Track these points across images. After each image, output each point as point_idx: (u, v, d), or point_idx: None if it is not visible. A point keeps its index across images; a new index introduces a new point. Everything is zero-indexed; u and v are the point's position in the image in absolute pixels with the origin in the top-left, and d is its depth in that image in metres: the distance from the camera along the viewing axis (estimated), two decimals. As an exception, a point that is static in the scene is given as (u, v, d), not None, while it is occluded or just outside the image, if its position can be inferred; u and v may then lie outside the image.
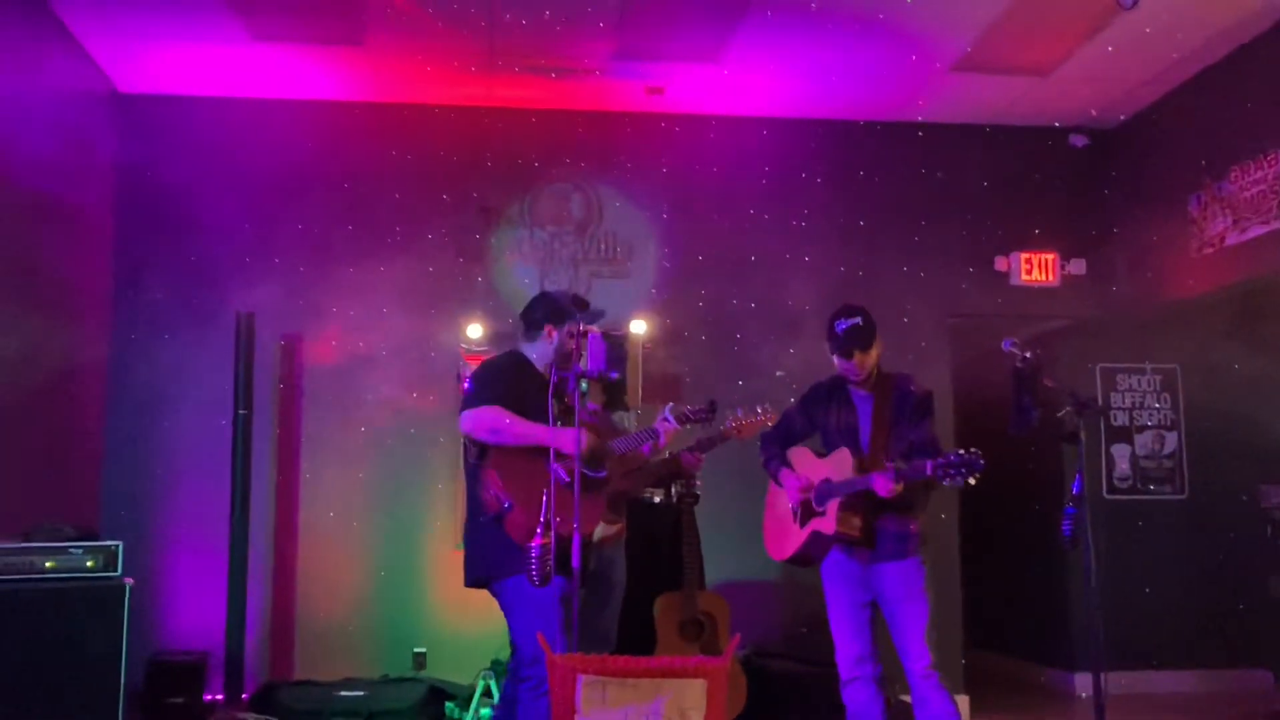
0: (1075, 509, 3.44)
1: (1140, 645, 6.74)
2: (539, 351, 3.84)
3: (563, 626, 3.48)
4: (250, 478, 5.74)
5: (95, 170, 6.11)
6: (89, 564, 4.53)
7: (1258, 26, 5.67)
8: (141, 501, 6.02)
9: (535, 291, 4.22)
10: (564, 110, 6.58)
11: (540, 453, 3.53)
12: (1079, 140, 6.88)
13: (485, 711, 5.19)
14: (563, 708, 2.92)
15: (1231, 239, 5.95)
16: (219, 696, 5.61)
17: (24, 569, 4.41)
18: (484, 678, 5.29)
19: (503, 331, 6.05)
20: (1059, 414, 3.56)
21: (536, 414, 3.59)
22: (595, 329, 3.95)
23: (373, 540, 6.20)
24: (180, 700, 5.38)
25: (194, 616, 5.86)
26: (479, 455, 3.65)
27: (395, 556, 6.19)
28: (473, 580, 3.72)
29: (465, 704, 5.32)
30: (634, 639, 4.66)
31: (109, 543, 4.62)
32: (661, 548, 5.12)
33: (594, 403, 4.55)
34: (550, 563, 3.25)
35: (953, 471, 3.50)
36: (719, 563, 5.69)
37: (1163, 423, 7.29)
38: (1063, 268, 6.85)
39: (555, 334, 3.81)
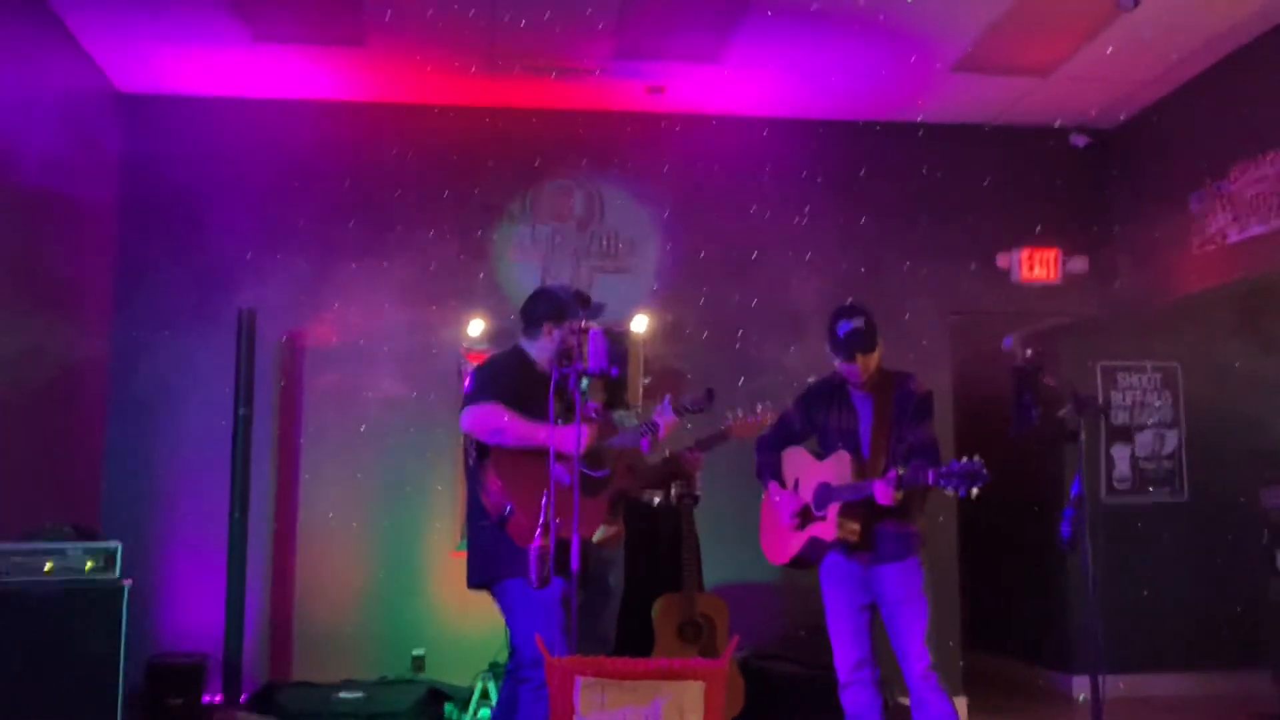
0: (1074, 510, 3.43)
1: (1139, 648, 6.73)
2: (539, 349, 3.83)
3: (561, 627, 3.47)
4: (250, 478, 5.74)
5: (96, 169, 6.10)
6: (88, 565, 4.52)
7: (1258, 27, 5.66)
8: (141, 502, 6.01)
9: (537, 288, 4.19)
10: (565, 110, 6.58)
11: (542, 454, 3.51)
12: (1080, 139, 6.87)
13: (484, 713, 5.18)
14: (561, 710, 2.92)
15: (1232, 237, 5.94)
16: (218, 698, 5.60)
17: (23, 570, 4.41)
18: (483, 680, 5.29)
19: (504, 329, 6.04)
20: (1059, 413, 3.55)
21: (538, 413, 3.57)
22: (596, 326, 3.93)
23: (372, 541, 6.19)
24: (179, 701, 5.37)
25: (193, 617, 5.85)
26: (479, 456, 3.64)
27: (394, 558, 6.19)
28: (476, 583, 3.71)
29: (464, 706, 5.32)
30: (632, 641, 4.66)
31: (108, 544, 4.61)
32: (660, 549, 5.12)
33: (595, 400, 4.54)
34: (549, 564, 3.24)
35: (955, 481, 3.48)
36: (718, 565, 5.69)
37: (1163, 421, 7.28)
38: (1064, 265, 6.84)
39: (555, 331, 3.80)
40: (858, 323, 3.85)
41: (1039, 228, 6.84)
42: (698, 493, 5.21)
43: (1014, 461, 6.26)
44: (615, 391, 5.06)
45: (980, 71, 6.13)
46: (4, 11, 5.01)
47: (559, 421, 3.52)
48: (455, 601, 3.85)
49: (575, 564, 3.25)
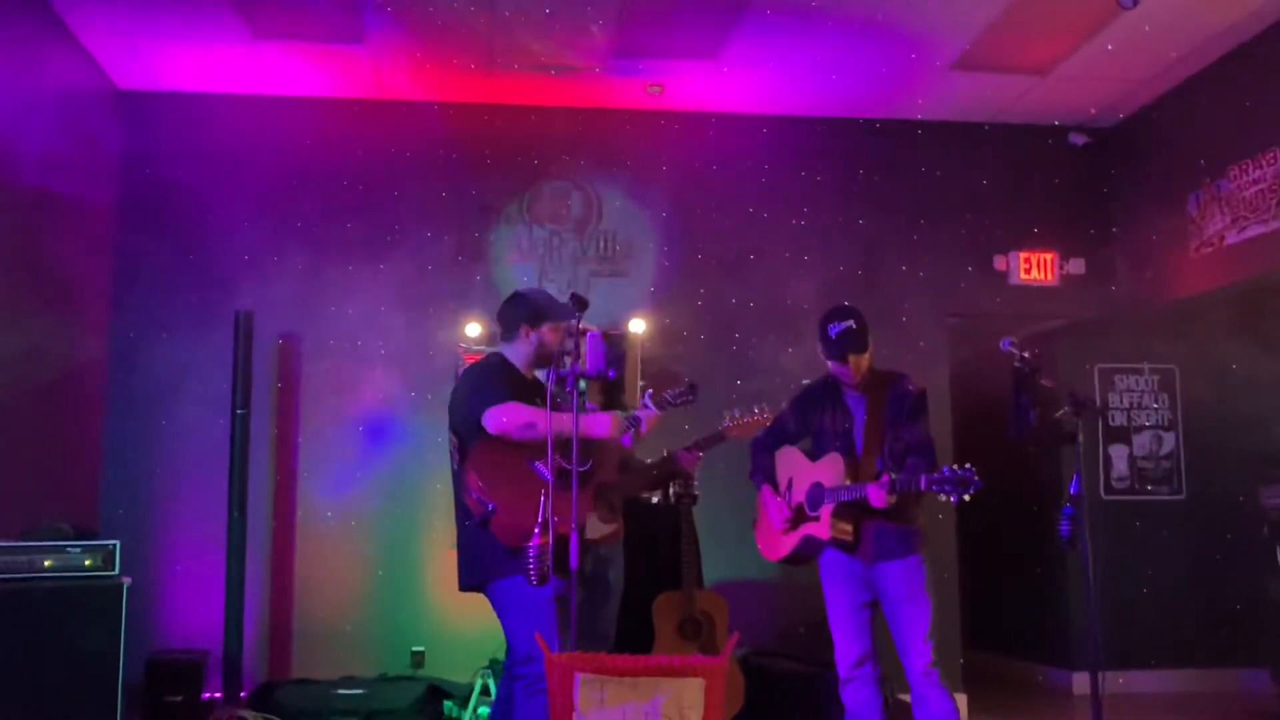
0: (1073, 509, 3.45)
1: (1138, 645, 6.76)
2: (518, 353, 3.82)
3: (555, 625, 3.48)
4: (248, 477, 5.74)
5: (95, 168, 6.12)
6: (87, 563, 4.54)
7: (1257, 25, 5.68)
8: (140, 500, 6.03)
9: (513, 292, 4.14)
10: (563, 108, 6.59)
11: (520, 450, 3.52)
12: (1079, 139, 6.90)
13: (483, 710, 5.20)
14: (561, 707, 2.93)
15: (1230, 238, 5.96)
16: (218, 695, 5.61)
17: (22, 568, 4.42)
18: (482, 676, 5.30)
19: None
20: (1057, 414, 3.57)
21: None
22: (594, 328, 3.94)
23: (370, 539, 6.21)
24: (179, 699, 5.38)
25: (192, 615, 5.86)
26: (463, 459, 3.64)
27: (393, 555, 6.20)
28: (467, 585, 3.72)
29: (464, 703, 5.33)
30: (632, 638, 4.67)
31: (107, 542, 4.63)
32: (660, 547, 5.13)
33: (592, 403, 4.56)
34: (549, 562, 3.25)
35: (947, 487, 3.51)
36: (717, 562, 5.70)
37: (1160, 423, 7.31)
38: (1062, 267, 6.86)
39: (532, 334, 3.79)
40: (849, 323, 3.88)
41: (1036, 229, 6.86)
42: (696, 491, 5.22)
43: (1013, 462, 6.31)
44: (613, 394, 5.07)
45: (979, 70, 6.16)
46: (3, 9, 5.02)
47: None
48: (454, 598, 3.84)
49: (574, 561, 3.26)
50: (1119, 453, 7.23)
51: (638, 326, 6.29)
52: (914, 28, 5.66)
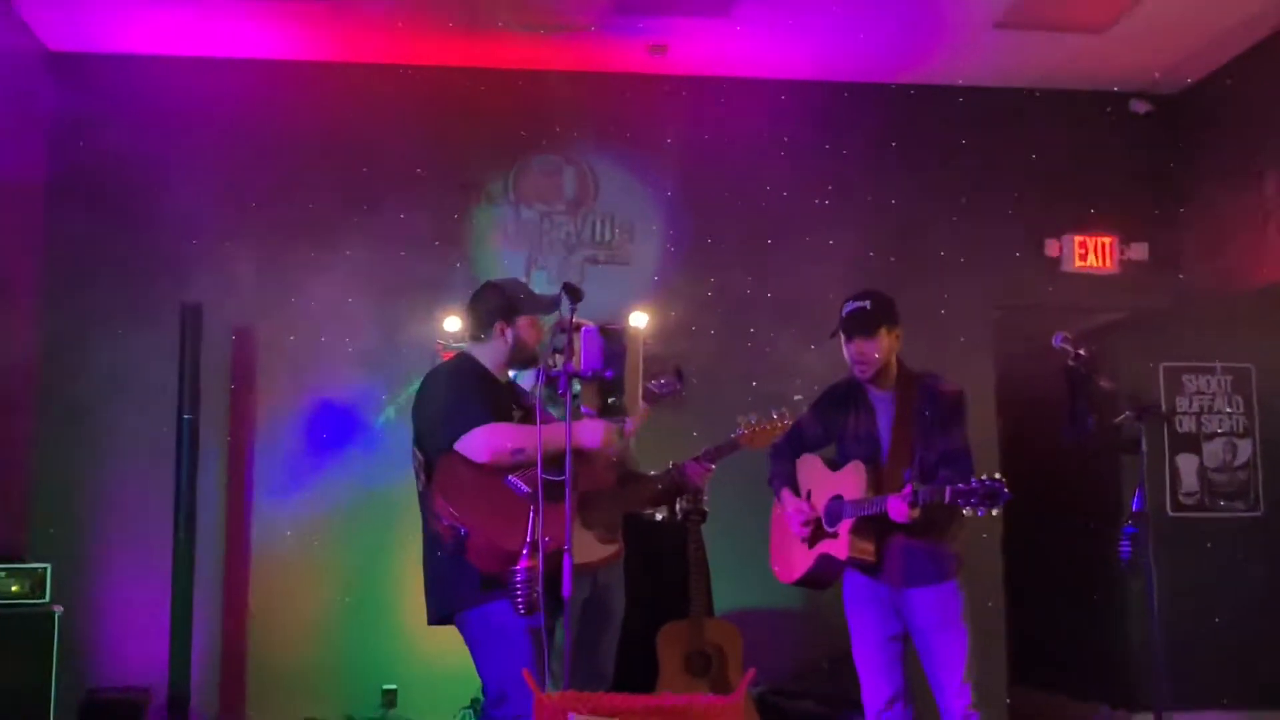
0: (1135, 528, 3.46)
1: (1208, 681, 6.73)
2: (492, 353, 3.81)
3: (533, 660, 3.47)
4: (197, 491, 5.74)
5: (23, 140, 6.11)
6: (14, 589, 4.56)
7: (1345, -22, 5.67)
8: (74, 519, 6.03)
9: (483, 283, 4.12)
10: (554, 72, 6.58)
11: (490, 466, 3.52)
12: (1140, 106, 6.89)
13: (464, 757, 5.20)
14: (552, 753, 2.92)
15: (1314, 220, 5.96)
16: (162, 739, 5.63)
17: (-60, 595, 4.43)
18: (463, 718, 5.30)
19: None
20: (1117, 420, 3.57)
21: None
22: (589, 323, 3.93)
23: (336, 561, 6.21)
24: (117, 743, 5.40)
25: (134, 648, 5.86)
26: (428, 479, 3.63)
27: (362, 580, 6.20)
28: (436, 618, 3.72)
29: (441, 748, 5.34)
30: (633, 674, 4.67)
31: (36, 565, 4.64)
32: (664, 571, 5.14)
33: (589, 407, 4.55)
34: (538, 589, 3.25)
35: (973, 500, 3.51)
36: (729, 588, 5.70)
37: (1235, 429, 7.28)
38: (1122, 253, 6.86)
39: (508, 331, 3.78)
40: (862, 303, 3.92)
41: (1094, 210, 6.85)
42: (705, 508, 5.22)
43: (1066, 473, 6.29)
44: (611, 396, 5.06)
45: (1028, 27, 6.15)
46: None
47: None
48: (430, 629, 3.85)
49: (567, 587, 3.26)
50: (1187, 463, 7.21)
51: (639, 320, 6.28)
52: (953, -20, 5.66)
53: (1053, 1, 5.88)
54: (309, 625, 6.16)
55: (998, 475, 3.52)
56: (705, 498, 5.17)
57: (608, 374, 3.93)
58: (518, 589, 3.24)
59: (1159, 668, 3.46)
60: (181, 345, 5.78)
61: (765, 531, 4.31)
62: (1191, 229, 6.87)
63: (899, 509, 3.68)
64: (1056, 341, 3.72)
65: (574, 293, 3.55)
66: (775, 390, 5.45)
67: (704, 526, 5.23)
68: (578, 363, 3.64)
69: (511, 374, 4.05)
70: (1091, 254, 6.84)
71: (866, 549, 3.84)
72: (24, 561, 4.75)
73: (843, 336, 3.96)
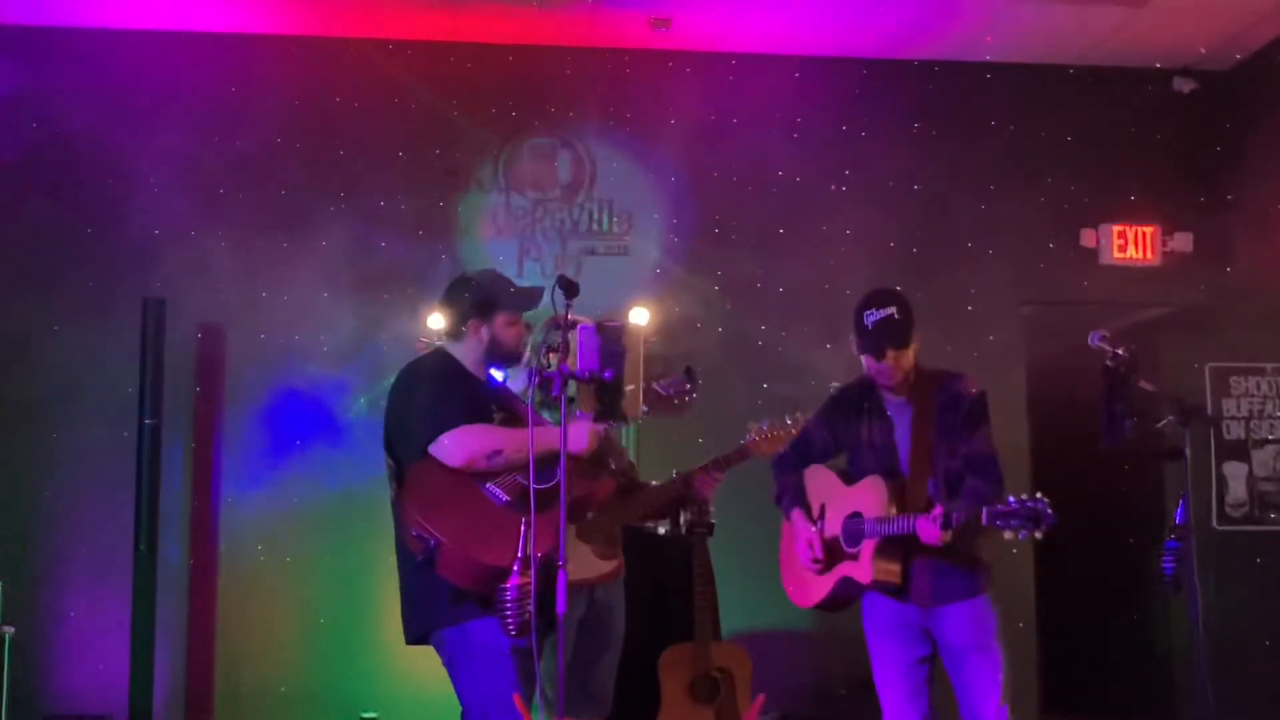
0: (1178, 542, 3.46)
1: (1256, 705, 6.74)
2: (468, 351, 3.83)
3: (517, 682, 3.47)
4: (159, 503, 5.75)
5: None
6: (-39, 609, 4.55)
7: (1406, -55, 5.68)
8: (26, 533, 6.04)
9: (512, 272, 4.18)
10: (549, 47, 6.60)
11: (464, 473, 3.52)
12: (1185, 85, 6.89)
13: (450, 790, 5.21)
14: (546, 784, 2.93)
15: (1373, 208, 5.96)
16: (121, 770, 5.64)
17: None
18: (448, 748, 5.31)
19: (470, 321, 6.06)
20: (1159, 424, 3.57)
21: None
22: (586, 320, 3.94)
23: (311, 579, 6.22)
24: (74, 775, 5.41)
25: (92, 672, 5.87)
26: (400, 487, 3.64)
27: (338, 599, 6.21)
28: (412, 637, 3.72)
29: (425, 781, 5.35)
30: (634, 701, 4.68)
31: (-14, 583, 4.64)
32: (668, 589, 5.14)
33: (585, 410, 4.55)
34: (530, 607, 3.25)
35: (1014, 522, 3.50)
36: (738, 607, 5.71)
37: (1287, 435, 7.30)
38: (1165, 243, 6.87)
39: (483, 329, 3.80)
40: (889, 311, 3.86)
41: (1134, 197, 6.85)
42: (712, 520, 5.23)
43: (1104, 483, 6.30)
44: (610, 399, 5.06)
45: (1061, -1, 6.15)
46: None
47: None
48: (413, 651, 3.85)
49: (562, 605, 3.26)
50: (1236, 472, 7.22)
51: (640, 317, 6.29)
52: (981, -54, 5.67)
53: (1089, -30, 5.88)
54: (282, 647, 6.16)
55: (1039, 495, 3.50)
56: (711, 510, 5.17)
57: (606, 375, 3.93)
58: (508, 608, 3.24)
59: (1204, 692, 3.46)
60: (143, 343, 5.79)
61: (776, 546, 4.30)
62: (1240, 218, 6.86)
63: (930, 532, 3.65)
64: (1093, 340, 3.71)
65: (569, 287, 3.56)
66: (788, 393, 5.46)
67: (710, 540, 5.23)
68: (573, 363, 3.64)
69: (503, 376, 4.05)
70: (1131, 245, 6.84)
71: (892, 570, 3.81)
72: (-28, 579, 4.74)
73: (869, 349, 3.89)
